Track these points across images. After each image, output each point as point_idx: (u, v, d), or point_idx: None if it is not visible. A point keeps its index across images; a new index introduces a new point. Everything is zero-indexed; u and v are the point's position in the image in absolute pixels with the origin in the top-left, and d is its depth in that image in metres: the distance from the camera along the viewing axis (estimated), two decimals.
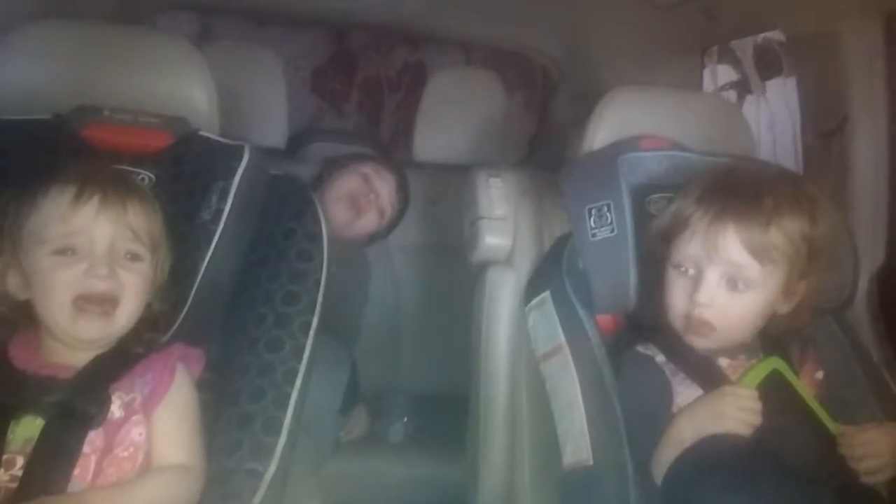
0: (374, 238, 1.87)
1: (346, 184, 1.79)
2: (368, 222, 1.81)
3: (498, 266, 1.35)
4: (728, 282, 0.98)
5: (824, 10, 1.33)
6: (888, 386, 1.13)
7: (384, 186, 1.82)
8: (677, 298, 1.01)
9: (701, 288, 0.98)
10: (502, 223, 1.36)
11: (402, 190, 1.87)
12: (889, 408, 1.09)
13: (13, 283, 0.89)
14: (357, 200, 1.78)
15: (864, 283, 1.27)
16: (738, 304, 0.98)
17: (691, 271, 1.00)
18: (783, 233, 0.97)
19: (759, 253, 0.96)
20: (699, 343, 1.01)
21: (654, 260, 1.06)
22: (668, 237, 1.02)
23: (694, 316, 0.99)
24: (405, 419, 1.77)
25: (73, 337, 0.88)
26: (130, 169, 1.04)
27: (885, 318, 1.26)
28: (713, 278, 0.98)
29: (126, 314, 0.89)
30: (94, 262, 0.87)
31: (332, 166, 1.87)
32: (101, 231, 0.88)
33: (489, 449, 1.32)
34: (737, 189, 0.99)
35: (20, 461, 0.80)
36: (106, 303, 0.87)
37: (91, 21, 1.47)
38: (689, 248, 0.99)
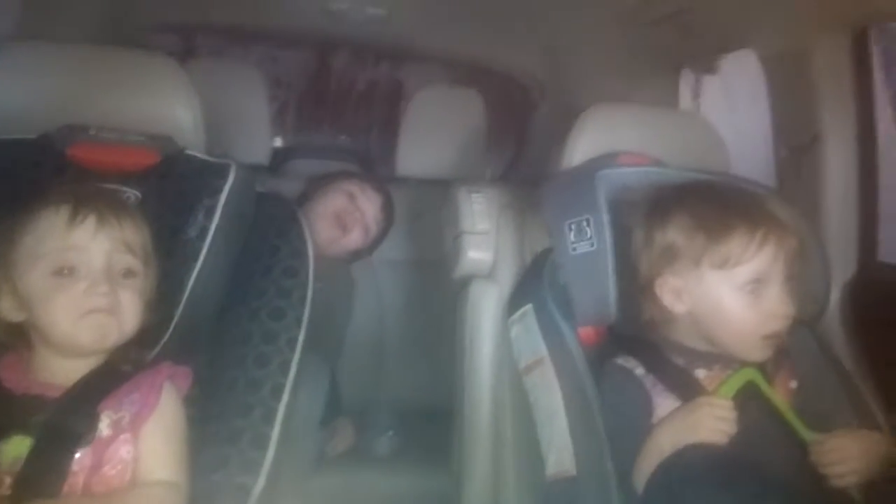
0: (358, 255, 1.89)
1: (332, 201, 1.82)
2: (353, 239, 1.83)
3: (480, 280, 1.37)
4: (788, 285, 1.03)
5: (795, 29, 1.37)
6: (861, 394, 1.16)
7: (369, 204, 1.85)
8: (755, 318, 1.01)
9: (783, 300, 1.01)
10: (484, 238, 1.38)
11: (387, 208, 1.90)
12: (862, 416, 1.12)
13: (6, 307, 0.89)
14: (342, 218, 1.80)
15: (836, 294, 1.30)
16: (792, 306, 1.03)
17: (762, 288, 1.01)
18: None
19: (791, 256, 1.03)
20: (767, 354, 1.03)
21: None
22: (729, 265, 1.02)
23: (780, 328, 1.02)
24: (390, 433, 1.77)
25: (78, 344, 0.88)
26: (116, 187, 1.05)
27: (858, 327, 1.30)
28: (784, 286, 1.02)
29: (125, 329, 0.90)
30: (93, 280, 0.87)
31: (318, 183, 1.89)
32: (98, 249, 0.88)
33: (473, 461, 1.33)
34: (768, 203, 1.07)
35: (8, 481, 0.80)
36: (109, 315, 0.88)
37: (74, 42, 1.48)
38: (771, 268, 1.01)
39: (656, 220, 1.08)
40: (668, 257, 1.06)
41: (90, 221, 0.88)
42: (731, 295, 1.02)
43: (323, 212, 1.80)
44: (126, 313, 0.90)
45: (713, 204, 1.06)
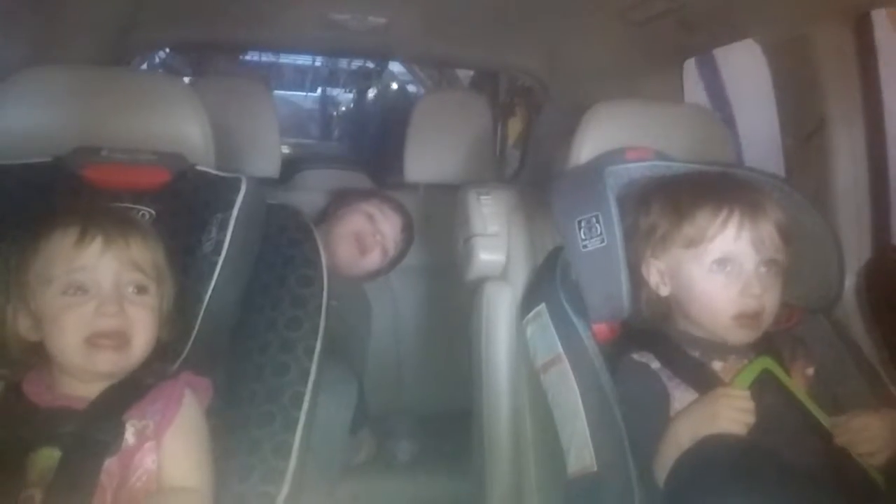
0: (375, 275, 1.88)
1: (352, 223, 1.81)
2: (372, 261, 1.82)
3: (493, 282, 1.37)
4: (768, 268, 1.03)
5: (795, 16, 1.37)
6: (880, 378, 1.16)
7: (388, 226, 1.84)
8: (724, 298, 1.03)
9: (753, 280, 1.02)
10: (495, 239, 1.39)
11: (407, 229, 1.89)
12: (882, 400, 1.11)
13: (24, 326, 0.90)
14: (362, 239, 1.79)
15: (851, 280, 1.30)
16: (775, 288, 1.04)
17: (731, 268, 1.03)
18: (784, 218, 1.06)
19: (786, 235, 1.05)
20: (745, 337, 1.04)
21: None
22: (695, 243, 1.05)
23: (748, 310, 1.02)
24: (411, 439, 1.78)
25: (89, 371, 0.90)
26: (131, 206, 1.07)
27: (875, 312, 1.29)
28: (760, 268, 1.03)
29: (139, 347, 0.92)
30: (102, 300, 0.89)
31: (338, 203, 1.88)
32: (106, 268, 0.90)
33: (494, 462, 1.33)
34: (742, 184, 1.08)
35: (39, 495, 0.81)
36: (118, 338, 0.89)
37: (84, 65, 1.51)
38: (736, 246, 1.03)
39: (641, 207, 1.12)
40: (648, 240, 1.10)
41: (97, 242, 0.90)
42: (700, 273, 1.05)
43: (342, 233, 1.79)
44: (138, 330, 0.91)
45: (688, 187, 1.09)
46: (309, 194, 1.98)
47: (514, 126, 3.14)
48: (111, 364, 0.90)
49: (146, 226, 1.00)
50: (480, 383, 1.36)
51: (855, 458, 0.96)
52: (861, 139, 1.35)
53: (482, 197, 1.42)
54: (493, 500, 1.32)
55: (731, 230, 1.03)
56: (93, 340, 0.88)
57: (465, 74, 3.58)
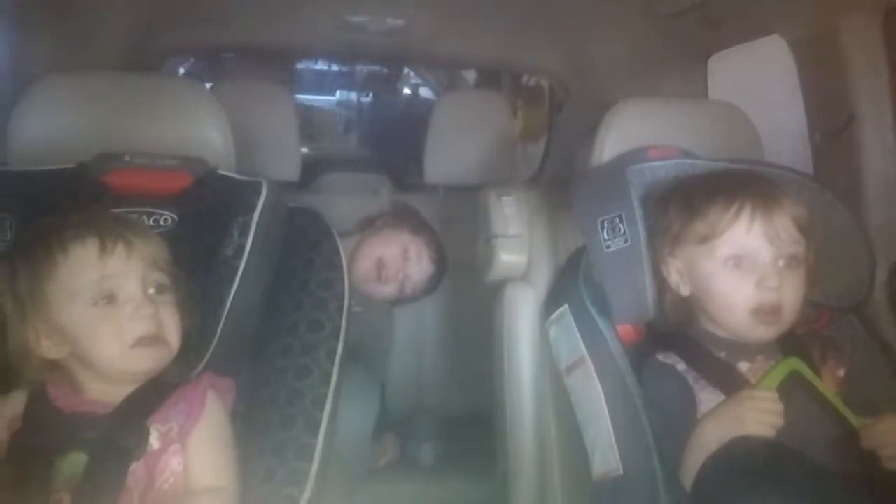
0: (382, 299, 1.80)
1: (384, 247, 1.74)
2: (384, 292, 1.76)
3: (515, 283, 1.36)
4: (786, 262, 1.02)
5: (823, 11, 1.34)
6: None
7: (417, 269, 1.77)
8: (740, 293, 1.02)
9: (770, 273, 1.01)
10: (517, 240, 1.38)
11: (433, 279, 1.82)
12: None
13: (46, 345, 0.90)
14: (385, 268, 1.72)
15: (881, 278, 1.27)
16: (795, 283, 1.02)
17: (745, 262, 1.02)
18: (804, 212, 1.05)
19: (805, 229, 1.03)
20: (765, 334, 1.03)
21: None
22: (708, 239, 1.04)
23: (766, 304, 1.01)
24: (434, 442, 1.77)
25: (131, 372, 0.91)
26: (153, 210, 1.08)
27: None
28: (777, 262, 1.01)
29: (173, 343, 0.93)
30: (136, 303, 0.90)
31: (387, 219, 1.82)
32: (133, 273, 0.91)
33: (518, 465, 1.33)
34: (756, 179, 1.07)
35: (67, 500, 0.83)
36: (157, 338, 0.91)
37: (106, 70, 1.52)
38: (749, 239, 1.02)
39: (660, 206, 1.11)
40: (666, 239, 1.09)
41: (120, 248, 0.91)
42: (715, 269, 1.04)
43: (369, 252, 1.72)
44: (169, 329, 0.93)
45: (702, 183, 1.09)
46: (330, 197, 1.98)
47: (517, 126, 3.15)
48: (153, 362, 0.91)
49: (145, 224, 1.03)
50: (503, 385, 1.36)
51: (884, 462, 0.94)
52: (891, 135, 1.32)
53: (503, 198, 1.42)
54: (517, 503, 1.32)
55: (742, 223, 1.02)
56: (135, 345, 0.89)
57: (468, 76, 3.58)
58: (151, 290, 0.92)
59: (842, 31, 1.32)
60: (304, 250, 1.10)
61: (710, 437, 0.94)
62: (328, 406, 0.98)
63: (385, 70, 5.60)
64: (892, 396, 1.10)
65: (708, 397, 1.01)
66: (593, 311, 1.15)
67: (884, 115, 1.33)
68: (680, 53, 1.73)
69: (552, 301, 1.24)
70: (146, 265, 0.92)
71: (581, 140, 1.36)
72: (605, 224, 1.14)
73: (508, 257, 1.38)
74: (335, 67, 6.10)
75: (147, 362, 0.91)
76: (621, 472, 1.03)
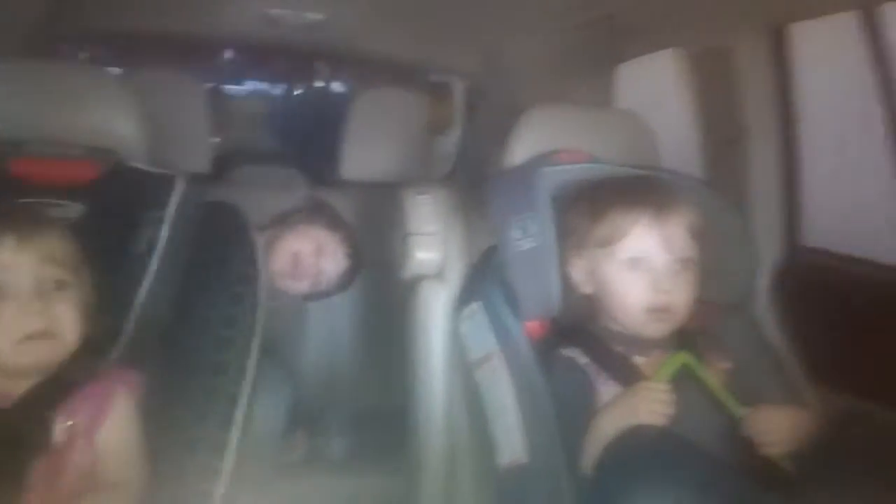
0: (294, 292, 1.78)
1: (299, 242, 1.73)
2: (297, 287, 1.74)
3: (429, 280, 1.39)
4: (679, 265, 1.08)
5: (719, 29, 1.44)
6: (791, 372, 1.24)
7: (332, 266, 1.76)
8: (635, 293, 1.08)
9: (662, 276, 1.07)
10: (432, 238, 1.41)
11: (347, 276, 1.81)
12: (792, 393, 1.20)
13: None
14: (300, 264, 1.71)
15: (766, 279, 1.38)
16: (686, 284, 1.09)
17: (644, 265, 1.08)
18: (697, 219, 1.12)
19: (696, 234, 1.10)
20: (658, 330, 1.09)
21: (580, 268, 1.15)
22: (608, 242, 1.10)
23: (659, 304, 1.07)
24: (345, 435, 1.78)
25: (16, 367, 0.88)
26: (59, 202, 1.04)
27: (787, 309, 1.37)
28: (671, 265, 1.08)
29: (67, 342, 0.90)
30: (23, 299, 0.87)
31: (303, 214, 1.80)
32: (23, 266, 0.88)
33: (429, 458, 1.35)
34: (654, 187, 1.13)
35: None
36: (46, 336, 0.88)
37: (8, 57, 1.45)
38: (645, 244, 1.08)
39: (568, 208, 1.17)
40: (572, 240, 1.15)
41: (10, 240, 0.87)
42: (614, 270, 1.10)
43: (285, 246, 1.71)
44: (64, 326, 0.90)
45: (605, 189, 1.15)
46: (244, 190, 1.95)
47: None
48: (38, 358, 0.88)
49: (53, 219, 0.98)
50: (415, 380, 1.38)
51: (760, 447, 1.03)
52: (776, 146, 1.43)
53: (419, 196, 1.44)
54: (426, 494, 1.34)
55: (640, 230, 1.08)
56: (22, 341, 0.86)
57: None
58: (48, 286, 0.89)
59: (737, 48, 1.42)
60: (220, 245, 1.09)
61: (607, 426, 1.00)
62: (242, 402, 0.98)
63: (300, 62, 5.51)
64: (771, 387, 1.21)
65: (607, 389, 1.07)
66: (503, 308, 1.19)
67: (770, 128, 1.43)
68: (590, 62, 1.80)
69: (464, 297, 1.27)
70: (40, 259, 0.89)
71: (495, 141, 1.40)
72: (517, 224, 1.19)
73: (423, 254, 1.40)
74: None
75: (34, 357, 0.88)
76: (526, 459, 1.07)
